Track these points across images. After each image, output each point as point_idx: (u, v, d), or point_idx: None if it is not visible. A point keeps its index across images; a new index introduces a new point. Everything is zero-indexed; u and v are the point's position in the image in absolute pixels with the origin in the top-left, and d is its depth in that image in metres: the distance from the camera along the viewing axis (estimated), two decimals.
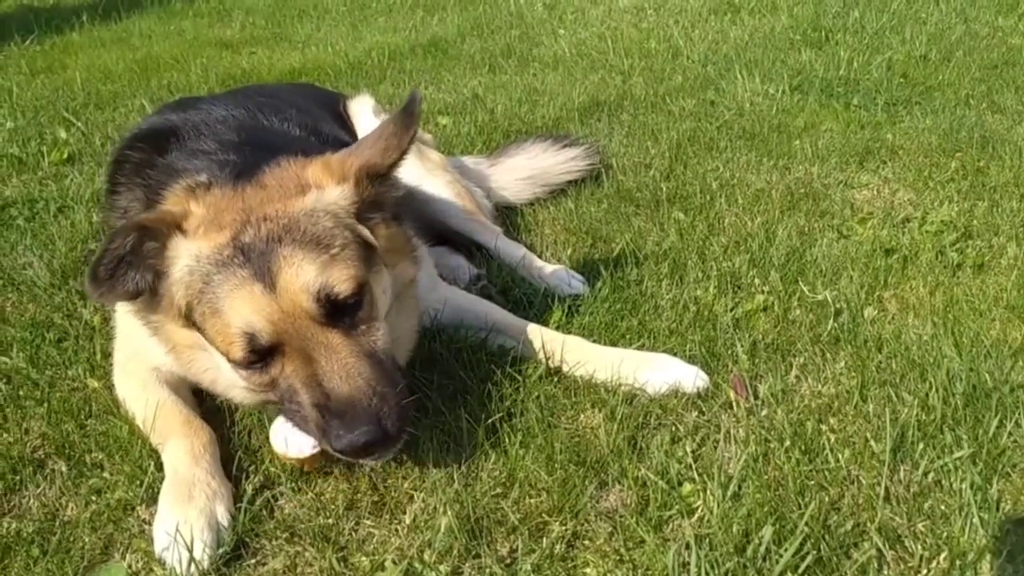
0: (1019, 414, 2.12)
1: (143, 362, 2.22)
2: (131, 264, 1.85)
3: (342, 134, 2.85)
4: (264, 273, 1.82)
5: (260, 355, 1.85)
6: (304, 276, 1.82)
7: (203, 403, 2.27)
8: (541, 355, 2.36)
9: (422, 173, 3.04)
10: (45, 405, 2.25)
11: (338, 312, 1.87)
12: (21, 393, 2.31)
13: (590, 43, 6.09)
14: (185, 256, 1.87)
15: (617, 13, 7.06)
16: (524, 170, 3.60)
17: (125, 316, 2.25)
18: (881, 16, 6.40)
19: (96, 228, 3.20)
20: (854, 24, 6.26)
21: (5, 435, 2.16)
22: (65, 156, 4.04)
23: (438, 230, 3.06)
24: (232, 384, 2.03)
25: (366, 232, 1.99)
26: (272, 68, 5.78)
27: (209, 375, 2.07)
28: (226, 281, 1.82)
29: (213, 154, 2.22)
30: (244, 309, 1.81)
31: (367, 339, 1.91)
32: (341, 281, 1.86)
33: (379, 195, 2.05)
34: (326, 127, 2.73)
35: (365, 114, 3.16)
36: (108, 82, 5.47)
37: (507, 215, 3.46)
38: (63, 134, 4.35)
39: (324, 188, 1.97)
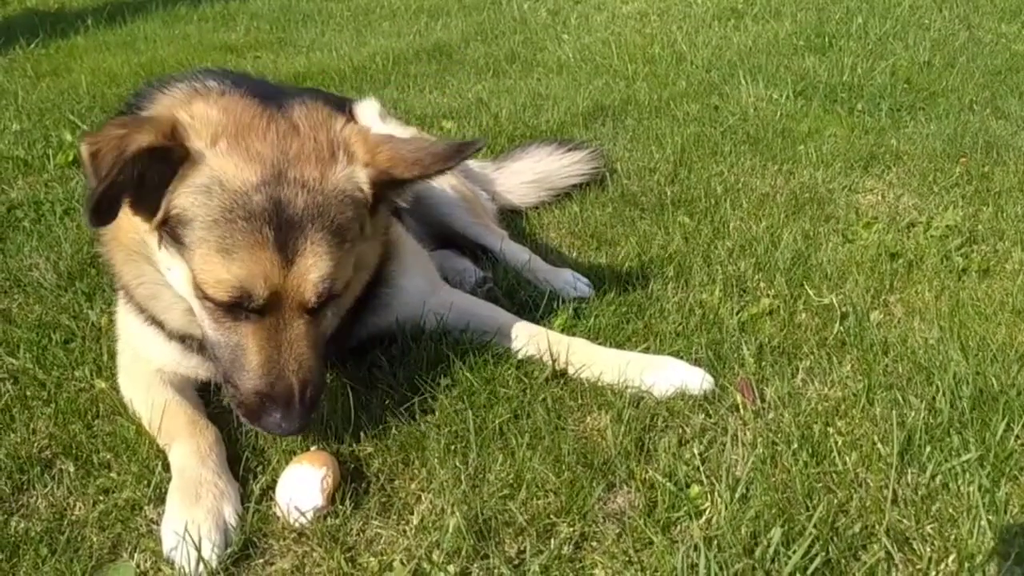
0: None
1: (146, 364, 2.23)
2: (131, 188, 1.78)
3: None
4: (287, 247, 1.81)
5: (234, 308, 1.85)
6: (320, 270, 1.84)
7: (209, 404, 2.27)
8: (547, 357, 2.36)
9: None
10: (52, 405, 2.25)
11: (321, 306, 1.91)
12: (28, 393, 2.31)
13: (594, 48, 6.10)
14: (205, 174, 1.80)
15: (621, 19, 7.08)
16: (529, 174, 3.61)
17: (125, 317, 2.26)
18: (884, 22, 6.41)
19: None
20: (857, 30, 6.27)
21: (12, 435, 2.16)
22: (70, 159, 4.04)
23: (444, 233, 3.07)
24: (170, 305, 2.04)
25: (368, 227, 2.02)
26: (277, 72, 5.78)
27: (146, 289, 2.06)
28: (251, 231, 1.78)
29: (214, 83, 2.10)
30: (255, 268, 1.79)
31: (322, 325, 1.96)
32: (341, 281, 1.91)
33: (388, 197, 2.07)
34: None
35: (371, 118, 3.16)
36: (113, 85, 5.48)
37: (512, 219, 3.47)
38: (68, 137, 4.35)
39: (354, 163, 1.94)
